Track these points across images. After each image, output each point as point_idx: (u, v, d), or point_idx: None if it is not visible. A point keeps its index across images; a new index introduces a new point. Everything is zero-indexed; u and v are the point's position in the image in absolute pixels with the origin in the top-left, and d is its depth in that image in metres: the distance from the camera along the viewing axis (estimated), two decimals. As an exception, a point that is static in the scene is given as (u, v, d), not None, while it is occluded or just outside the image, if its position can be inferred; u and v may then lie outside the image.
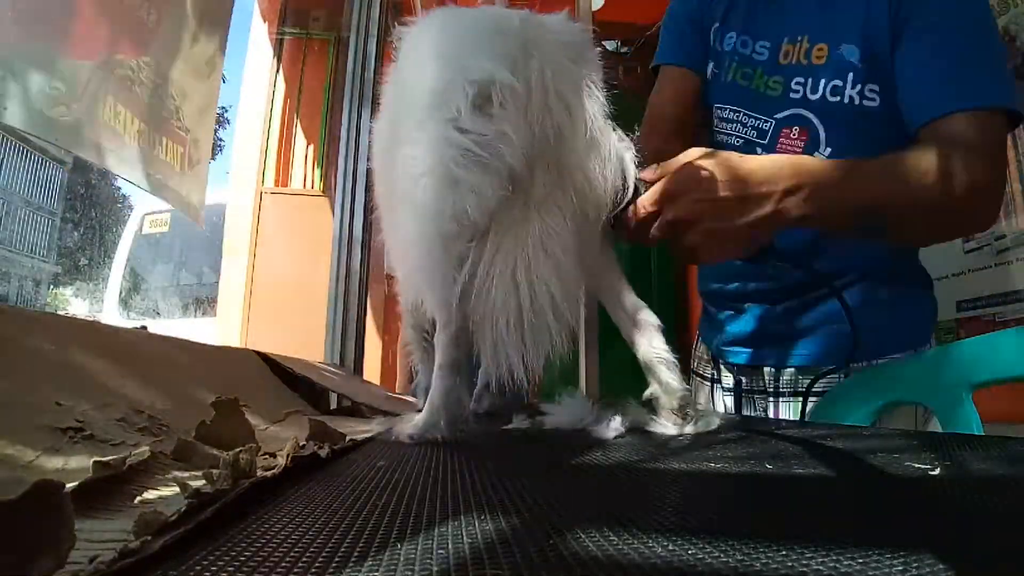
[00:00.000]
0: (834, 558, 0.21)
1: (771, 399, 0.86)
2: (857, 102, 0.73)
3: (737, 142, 0.82)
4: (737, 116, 0.82)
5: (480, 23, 0.53)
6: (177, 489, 0.25)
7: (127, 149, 1.36)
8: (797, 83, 0.77)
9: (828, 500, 0.31)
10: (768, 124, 0.79)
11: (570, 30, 0.56)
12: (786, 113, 0.78)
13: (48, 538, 0.16)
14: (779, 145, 0.78)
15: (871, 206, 0.59)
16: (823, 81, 0.74)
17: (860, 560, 0.21)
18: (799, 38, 0.77)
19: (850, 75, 0.72)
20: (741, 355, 0.89)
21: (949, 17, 0.66)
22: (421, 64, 0.54)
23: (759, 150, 0.80)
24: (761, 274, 0.83)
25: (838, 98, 0.74)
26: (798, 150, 0.77)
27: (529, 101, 0.49)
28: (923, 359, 0.83)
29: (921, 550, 0.22)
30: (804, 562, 0.20)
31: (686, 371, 1.11)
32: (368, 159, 1.31)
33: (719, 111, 0.84)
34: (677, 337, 3.03)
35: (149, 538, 0.19)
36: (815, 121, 0.75)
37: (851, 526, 0.26)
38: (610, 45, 3.42)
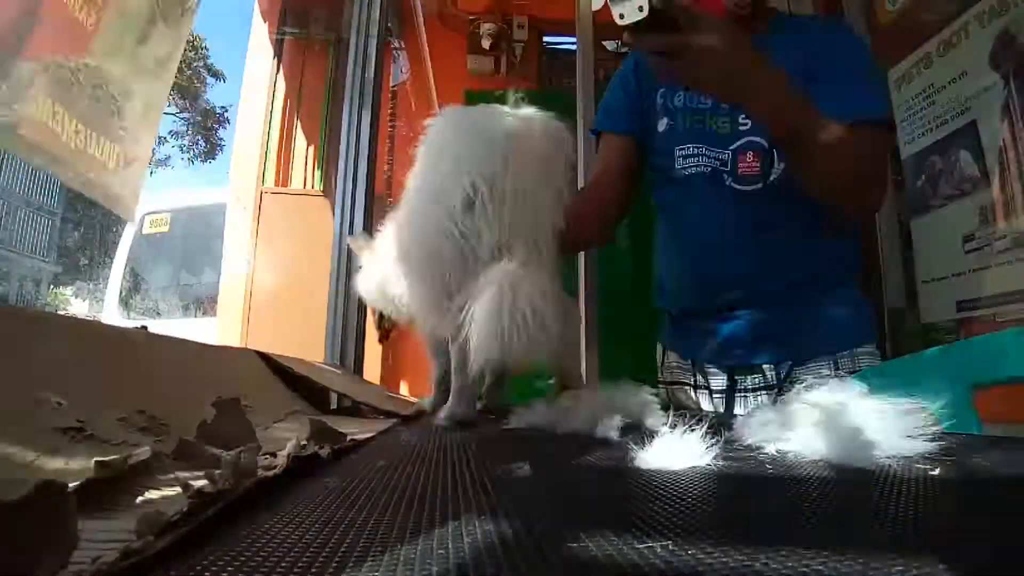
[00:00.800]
0: (834, 560, 0.21)
1: (764, 394, 0.97)
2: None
3: (706, 170, 0.97)
4: (699, 151, 0.98)
5: (474, 135, 0.70)
6: (179, 489, 0.25)
7: (61, 148, 1.39)
8: (744, 119, 0.95)
9: (828, 500, 0.31)
10: (726, 154, 0.96)
11: (548, 131, 0.73)
12: (739, 143, 0.95)
13: (52, 538, 0.16)
14: (739, 169, 0.95)
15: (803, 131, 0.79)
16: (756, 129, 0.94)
17: (860, 561, 0.21)
18: None
19: None
20: (735, 358, 0.99)
21: (842, 61, 0.90)
22: (434, 162, 0.73)
23: (725, 176, 0.96)
24: (742, 282, 0.96)
25: (767, 141, 0.92)
26: (755, 171, 0.94)
27: (503, 205, 0.67)
28: (923, 359, 0.83)
29: (921, 550, 0.22)
30: (804, 563, 0.20)
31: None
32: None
33: (682, 151, 1.00)
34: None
35: (152, 538, 0.19)
36: (766, 145, 0.94)
37: (851, 527, 0.26)
38: (610, 45, 3.42)
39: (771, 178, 0.94)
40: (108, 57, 1.49)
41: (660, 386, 1.11)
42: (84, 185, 1.53)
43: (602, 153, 1.12)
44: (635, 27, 0.65)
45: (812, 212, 0.90)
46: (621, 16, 0.65)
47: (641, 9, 0.63)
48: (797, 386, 0.53)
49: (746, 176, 0.95)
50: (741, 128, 0.95)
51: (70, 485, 0.18)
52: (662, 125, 1.03)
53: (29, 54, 1.27)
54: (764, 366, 0.97)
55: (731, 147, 0.96)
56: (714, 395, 1.02)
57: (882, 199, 0.95)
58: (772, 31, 0.97)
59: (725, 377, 1.01)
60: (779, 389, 0.94)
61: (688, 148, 1.00)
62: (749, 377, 0.99)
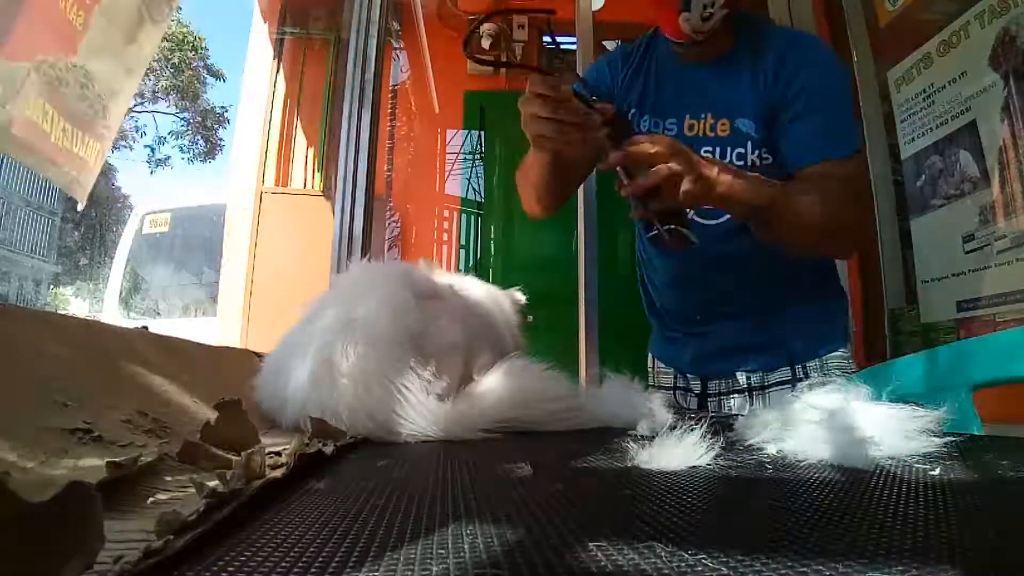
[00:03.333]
0: (833, 562, 0.21)
1: (737, 397, 1.02)
2: (757, 163, 0.91)
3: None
4: None
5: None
6: (189, 489, 0.26)
7: (50, 148, 1.39)
8: (706, 150, 0.93)
9: (827, 501, 0.31)
10: None
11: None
12: None
13: (79, 539, 0.16)
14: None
15: (766, 205, 0.80)
16: (729, 148, 0.93)
17: (860, 563, 0.21)
18: (703, 115, 0.96)
19: (749, 143, 0.91)
20: (708, 368, 1.04)
21: (813, 94, 0.89)
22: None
23: (689, 211, 0.95)
24: (725, 298, 1.00)
25: (742, 162, 0.92)
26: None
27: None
28: (923, 359, 0.83)
29: (921, 551, 0.22)
30: (803, 566, 0.20)
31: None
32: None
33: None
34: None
35: (171, 537, 0.20)
36: None
37: (851, 527, 0.26)
38: (610, 45, 3.42)
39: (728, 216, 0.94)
40: (95, 57, 1.50)
41: (650, 390, 1.13)
42: (69, 184, 1.54)
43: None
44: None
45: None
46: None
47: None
48: (800, 385, 0.53)
49: (708, 211, 0.93)
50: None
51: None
52: None
53: (20, 53, 1.27)
54: (737, 373, 1.01)
55: None
56: (690, 398, 1.08)
57: (865, 233, 0.97)
58: (738, 44, 0.95)
59: (699, 382, 1.06)
60: (750, 392, 0.99)
61: None
62: (723, 382, 1.03)
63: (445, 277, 0.89)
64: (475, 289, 0.90)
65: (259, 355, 0.86)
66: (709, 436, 0.43)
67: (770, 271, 0.96)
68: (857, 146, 0.90)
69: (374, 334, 0.62)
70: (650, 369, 1.17)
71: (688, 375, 1.08)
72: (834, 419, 0.44)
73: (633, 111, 1.02)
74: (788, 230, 0.83)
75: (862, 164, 0.88)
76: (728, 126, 0.93)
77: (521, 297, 1.00)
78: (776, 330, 0.98)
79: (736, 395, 1.02)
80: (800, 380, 0.93)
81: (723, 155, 0.92)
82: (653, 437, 0.46)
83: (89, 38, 1.45)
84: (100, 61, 1.52)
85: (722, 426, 0.56)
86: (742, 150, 0.92)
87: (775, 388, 0.98)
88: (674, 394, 1.10)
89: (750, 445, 0.49)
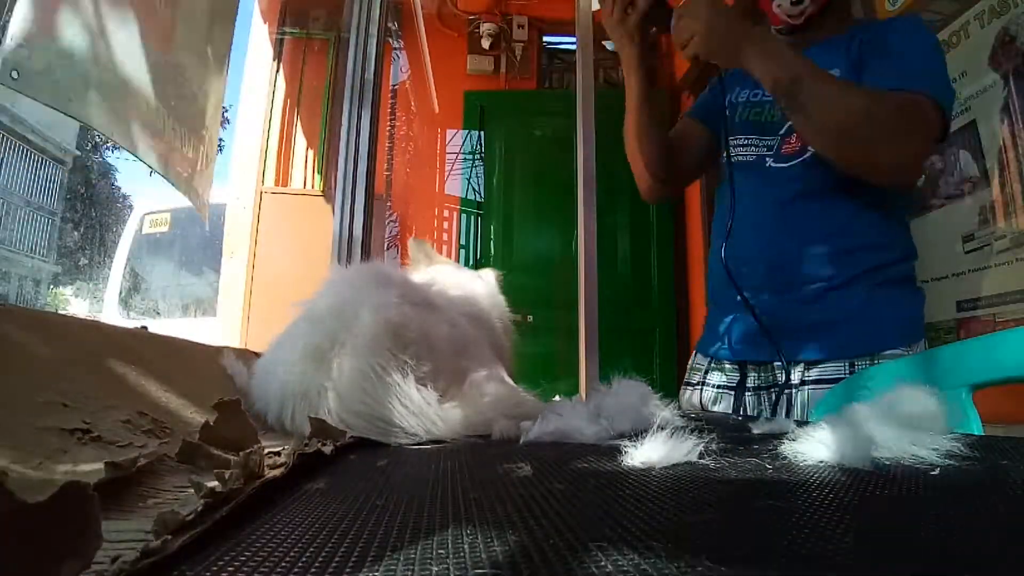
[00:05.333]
0: (833, 562, 0.21)
1: (773, 392, 0.95)
2: None
3: (752, 157, 1.02)
4: (750, 140, 1.04)
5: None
6: (187, 489, 0.26)
7: (164, 147, 1.35)
8: None
9: (827, 501, 0.31)
10: (774, 140, 1.00)
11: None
12: (786, 127, 0.98)
13: (76, 539, 0.16)
14: (782, 149, 0.98)
15: (790, 76, 0.83)
16: None
17: (860, 563, 0.21)
18: None
19: None
20: (747, 352, 0.99)
21: (895, 43, 0.91)
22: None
23: (768, 159, 1.00)
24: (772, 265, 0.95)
25: None
26: (796, 149, 0.96)
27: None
28: (923, 359, 0.83)
29: (921, 552, 0.22)
30: (802, 566, 0.20)
31: (684, 372, 1.15)
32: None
33: (735, 141, 1.05)
34: (678, 343, 3.05)
35: (169, 537, 0.19)
36: None
37: (850, 528, 0.26)
38: (610, 45, 3.42)
39: (808, 153, 0.94)
40: (184, 53, 1.45)
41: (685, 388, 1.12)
42: (185, 186, 1.48)
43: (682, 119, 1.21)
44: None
45: (848, 186, 0.89)
46: None
47: None
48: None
49: (786, 155, 0.97)
50: None
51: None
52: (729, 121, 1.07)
53: (133, 45, 1.21)
54: (775, 364, 0.94)
55: (779, 132, 0.99)
56: (723, 391, 1.02)
57: (909, 166, 0.90)
58: (851, 32, 0.97)
59: (737, 374, 1.01)
60: (786, 389, 0.92)
61: (741, 139, 1.04)
62: (759, 373, 0.98)
63: (431, 269, 0.89)
64: (465, 284, 0.90)
65: (260, 355, 0.86)
66: (709, 436, 0.43)
67: (839, 225, 0.91)
68: (934, 91, 0.84)
69: (365, 331, 0.62)
70: (689, 367, 1.13)
71: (727, 363, 1.02)
72: (837, 419, 0.44)
73: (725, 74, 1.05)
74: (816, 116, 0.82)
75: (933, 109, 0.83)
76: None
77: (496, 273, 1.01)
78: (834, 312, 0.90)
79: (766, 391, 0.96)
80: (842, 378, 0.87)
81: None
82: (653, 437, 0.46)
83: (178, 34, 1.41)
84: (190, 58, 1.48)
85: (725, 427, 0.55)
86: None
87: (818, 386, 0.90)
88: (700, 391, 1.05)
89: (750, 445, 0.49)
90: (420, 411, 0.59)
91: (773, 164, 0.98)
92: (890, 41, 0.91)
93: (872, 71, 0.89)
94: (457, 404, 0.63)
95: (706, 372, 1.06)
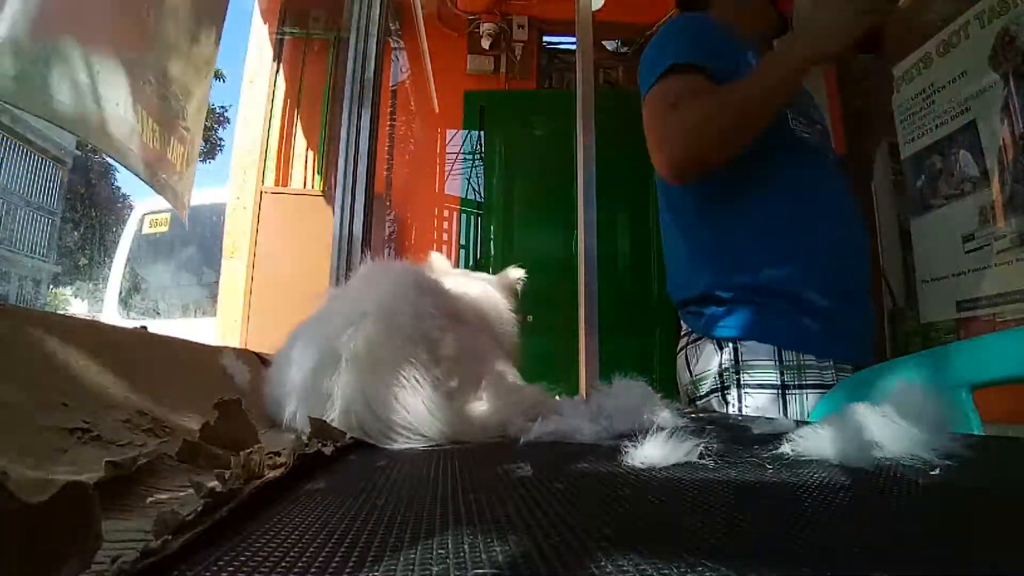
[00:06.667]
0: (833, 563, 0.21)
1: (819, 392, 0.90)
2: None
3: (815, 141, 0.97)
4: (807, 118, 0.98)
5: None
6: (187, 489, 0.26)
7: (144, 149, 1.36)
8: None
9: (826, 501, 0.31)
10: (822, 123, 1.00)
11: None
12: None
13: (76, 540, 0.16)
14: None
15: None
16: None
17: (860, 564, 0.21)
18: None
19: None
20: (828, 350, 0.91)
21: None
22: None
23: (829, 152, 0.99)
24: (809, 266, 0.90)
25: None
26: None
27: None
28: (923, 359, 0.83)
29: (922, 552, 0.22)
30: (803, 567, 0.20)
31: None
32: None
33: (791, 111, 0.97)
34: (678, 343, 3.04)
35: (169, 537, 0.19)
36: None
37: (850, 529, 0.26)
38: (610, 45, 3.42)
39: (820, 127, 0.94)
40: (167, 55, 1.47)
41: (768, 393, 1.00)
42: (163, 188, 1.51)
43: (688, 87, 0.92)
44: None
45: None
46: None
47: None
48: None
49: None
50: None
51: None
52: None
53: (107, 47, 1.22)
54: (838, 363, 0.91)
55: (826, 121, 0.98)
56: (765, 391, 0.92)
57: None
58: None
59: (777, 373, 0.90)
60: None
61: (800, 118, 0.97)
62: (818, 373, 0.90)
63: (452, 278, 0.90)
64: (475, 289, 0.90)
65: (260, 355, 0.86)
66: (709, 436, 0.43)
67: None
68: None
69: (390, 325, 0.62)
70: (730, 363, 0.95)
71: (839, 363, 0.91)
72: (839, 419, 0.44)
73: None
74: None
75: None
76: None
77: (519, 273, 0.99)
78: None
79: (819, 390, 0.91)
80: None
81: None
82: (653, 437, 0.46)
83: (160, 36, 1.42)
84: (173, 60, 1.50)
85: (724, 425, 0.55)
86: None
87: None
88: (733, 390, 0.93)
89: (750, 445, 0.49)
90: (446, 419, 0.59)
91: (832, 157, 0.96)
92: None
93: None
94: (481, 407, 0.64)
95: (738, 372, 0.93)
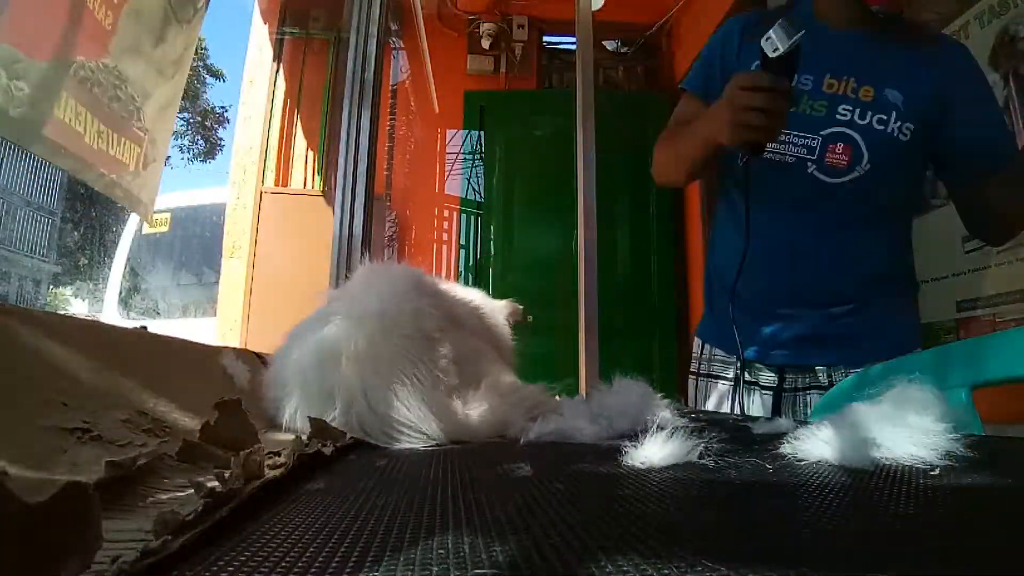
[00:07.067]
0: (833, 563, 0.21)
1: (815, 394, 0.97)
2: (895, 135, 0.91)
3: (791, 160, 0.95)
4: (788, 137, 0.94)
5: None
6: (187, 489, 0.26)
7: (85, 150, 1.39)
8: (845, 108, 0.92)
9: (826, 502, 0.31)
10: (815, 141, 0.93)
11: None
12: (831, 131, 0.92)
13: (77, 539, 0.16)
14: (826, 159, 0.92)
15: None
16: (870, 112, 0.91)
17: (860, 565, 0.21)
18: (844, 77, 0.94)
19: (893, 113, 0.91)
20: (790, 356, 0.98)
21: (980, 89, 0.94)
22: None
23: (810, 165, 0.93)
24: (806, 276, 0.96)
25: (883, 127, 0.91)
26: (843, 163, 0.92)
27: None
28: (923, 359, 0.83)
29: (922, 552, 0.22)
30: (803, 567, 0.20)
31: (684, 372, 1.14)
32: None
33: None
34: (678, 343, 3.05)
35: (169, 537, 0.19)
36: (859, 140, 0.92)
37: (850, 529, 0.26)
38: (610, 45, 3.42)
39: (856, 174, 0.91)
40: (126, 58, 1.50)
41: (691, 377, 1.10)
42: (106, 187, 1.54)
43: (681, 106, 1.09)
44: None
45: (887, 215, 0.93)
46: (775, 50, 0.76)
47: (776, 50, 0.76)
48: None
49: (832, 168, 0.92)
50: (839, 116, 0.92)
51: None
52: None
53: (51, 52, 1.26)
54: (817, 367, 0.96)
55: (822, 132, 0.92)
56: (763, 392, 1.00)
57: None
58: (888, 18, 0.98)
59: (775, 375, 0.99)
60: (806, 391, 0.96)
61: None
62: (800, 377, 0.98)
63: (450, 284, 0.90)
64: (474, 297, 0.91)
65: (260, 355, 0.86)
66: (709, 436, 0.43)
67: (877, 249, 0.94)
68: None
69: (390, 324, 0.62)
70: (696, 356, 1.10)
71: (756, 365, 1.00)
72: (839, 419, 0.44)
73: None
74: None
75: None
76: (872, 93, 0.92)
77: (518, 307, 1.01)
78: (871, 319, 0.94)
79: (814, 391, 0.97)
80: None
81: (862, 116, 0.92)
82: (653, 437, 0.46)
83: (118, 39, 1.45)
84: (131, 62, 1.53)
85: (728, 426, 0.55)
86: (884, 116, 0.91)
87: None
88: (733, 389, 1.01)
89: (750, 445, 0.49)
90: (448, 419, 0.59)
91: (817, 174, 0.92)
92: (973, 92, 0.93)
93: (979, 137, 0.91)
94: (481, 406, 0.64)
95: (737, 371, 1.00)
